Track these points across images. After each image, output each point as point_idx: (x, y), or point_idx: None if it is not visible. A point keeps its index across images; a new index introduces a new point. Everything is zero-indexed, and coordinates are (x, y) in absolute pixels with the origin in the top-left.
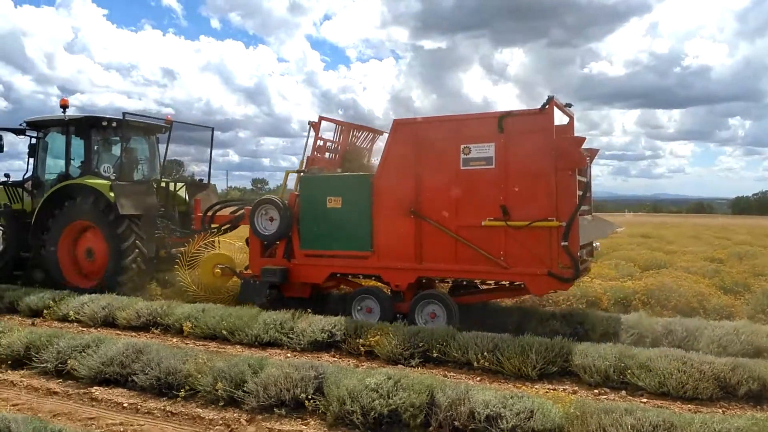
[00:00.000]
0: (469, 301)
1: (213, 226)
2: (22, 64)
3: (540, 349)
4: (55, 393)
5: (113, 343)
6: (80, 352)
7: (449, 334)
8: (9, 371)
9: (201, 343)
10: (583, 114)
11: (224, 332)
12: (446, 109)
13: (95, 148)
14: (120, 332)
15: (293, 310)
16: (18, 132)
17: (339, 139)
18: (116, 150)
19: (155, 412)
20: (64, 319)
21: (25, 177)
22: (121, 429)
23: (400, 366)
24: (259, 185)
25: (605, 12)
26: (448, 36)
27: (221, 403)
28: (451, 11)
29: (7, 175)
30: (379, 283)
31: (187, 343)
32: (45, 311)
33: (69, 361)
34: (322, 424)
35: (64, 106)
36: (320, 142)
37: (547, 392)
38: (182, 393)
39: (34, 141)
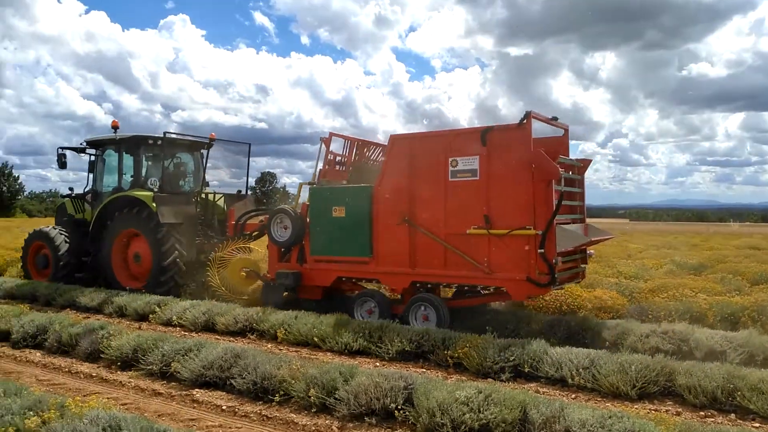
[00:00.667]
0: (460, 305)
1: (245, 233)
2: (129, 83)
3: (640, 367)
4: (160, 394)
5: (213, 348)
6: (183, 356)
7: (542, 349)
8: (118, 372)
9: (294, 349)
10: (682, 118)
11: (315, 339)
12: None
13: (143, 164)
14: (219, 337)
15: (382, 321)
16: (79, 150)
17: (347, 153)
18: (166, 166)
19: (251, 415)
20: (168, 323)
21: (86, 190)
22: (221, 431)
23: (489, 380)
24: None
25: (704, 11)
26: (536, 42)
27: (313, 410)
28: (538, 17)
29: (71, 189)
30: (379, 287)
31: (280, 349)
32: (150, 315)
33: (173, 364)
34: None
35: (115, 128)
36: (330, 156)
37: (648, 413)
38: (277, 398)
39: (93, 158)
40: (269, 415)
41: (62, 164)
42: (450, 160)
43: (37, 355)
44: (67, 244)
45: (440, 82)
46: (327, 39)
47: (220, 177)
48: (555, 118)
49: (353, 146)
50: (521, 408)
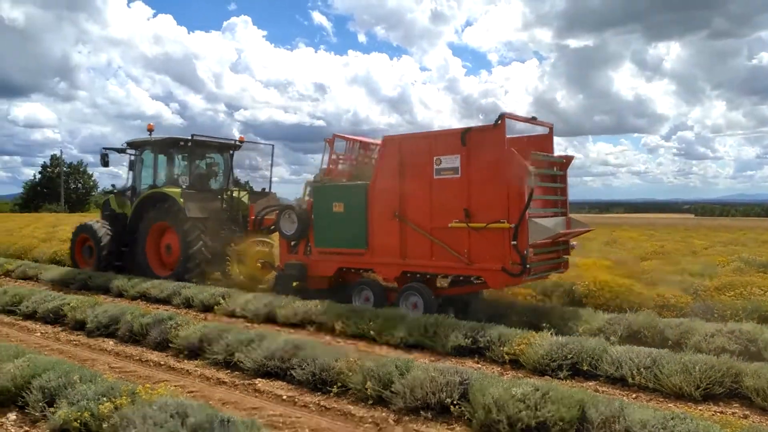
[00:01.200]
0: (449, 293)
1: (263, 227)
2: (195, 84)
3: (704, 368)
4: (224, 383)
5: (274, 339)
6: (246, 346)
7: (601, 347)
8: (185, 361)
9: (351, 342)
10: (752, 109)
11: (372, 333)
12: (595, 110)
13: (175, 163)
14: (279, 328)
15: (436, 315)
16: (120, 151)
17: (349, 153)
18: (197, 165)
19: (310, 405)
20: (232, 314)
21: (126, 187)
22: (281, 420)
23: (546, 377)
24: None
25: None
26: (596, 33)
27: (370, 402)
28: (599, 7)
29: (113, 186)
30: (375, 276)
31: (338, 342)
32: (215, 307)
33: (236, 354)
34: (467, 431)
35: (150, 130)
36: (334, 156)
37: (713, 415)
38: (335, 389)
39: (132, 158)
40: (327, 406)
41: (105, 163)
42: (435, 158)
43: (110, 344)
44: (109, 236)
45: (497, 76)
46: (383, 36)
47: (280, 174)
48: (534, 118)
49: (354, 146)
50: (579, 407)
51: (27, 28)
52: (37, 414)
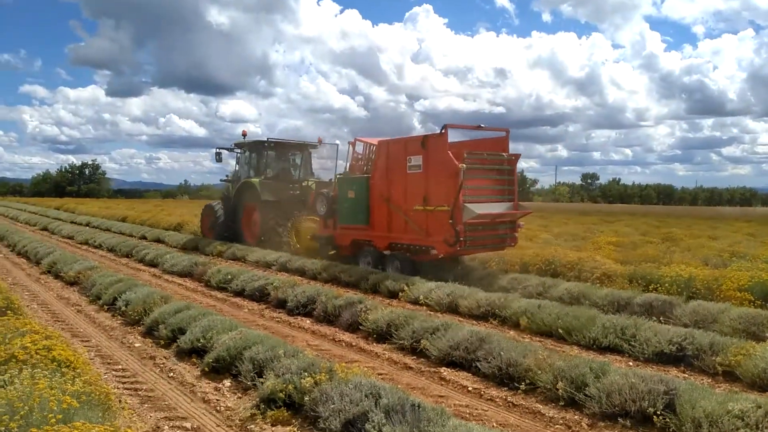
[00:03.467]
0: (414, 259)
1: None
2: (378, 76)
3: None
4: (410, 368)
5: (459, 329)
6: (431, 334)
7: None
8: (374, 343)
9: (537, 339)
10: None
11: (560, 331)
12: None
13: (263, 159)
14: (462, 319)
15: (634, 316)
16: (230, 150)
17: (366, 153)
18: (278, 161)
19: (497, 400)
20: (415, 302)
21: (234, 177)
22: (468, 411)
23: None
24: (589, 180)
25: None
26: None
27: (561, 403)
28: None
29: (227, 176)
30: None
31: (523, 338)
32: (400, 294)
33: (422, 341)
34: None
35: (244, 135)
36: (355, 155)
37: None
38: (522, 386)
39: (237, 155)
40: (515, 402)
41: (219, 159)
42: (407, 158)
43: (306, 323)
44: (222, 213)
45: (703, 50)
46: (570, 14)
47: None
48: (479, 126)
49: (369, 148)
50: None
51: (232, 31)
52: (248, 382)
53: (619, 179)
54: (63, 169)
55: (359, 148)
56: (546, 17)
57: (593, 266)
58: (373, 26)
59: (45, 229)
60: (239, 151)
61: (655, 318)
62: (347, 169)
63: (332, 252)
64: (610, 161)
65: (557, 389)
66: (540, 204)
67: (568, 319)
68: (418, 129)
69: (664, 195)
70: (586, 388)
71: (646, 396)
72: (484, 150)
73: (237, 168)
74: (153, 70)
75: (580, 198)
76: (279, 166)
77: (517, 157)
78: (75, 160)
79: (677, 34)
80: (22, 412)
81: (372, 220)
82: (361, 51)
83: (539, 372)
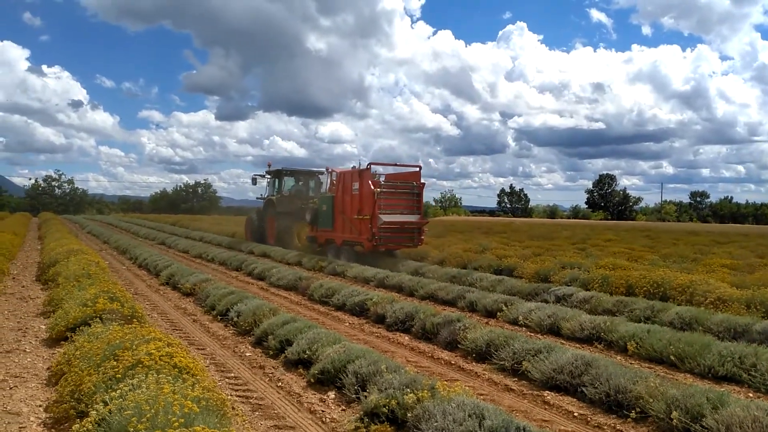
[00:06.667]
0: (357, 250)
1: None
2: (470, 95)
3: None
4: (512, 390)
5: (562, 353)
6: (533, 356)
7: None
8: (473, 363)
9: (646, 365)
10: None
11: (672, 357)
12: None
13: (282, 183)
14: (564, 342)
15: (753, 344)
16: (262, 176)
17: (333, 179)
18: (293, 184)
19: (605, 427)
20: (514, 322)
21: (266, 196)
22: None
23: None
24: (698, 199)
25: None
26: None
27: None
28: None
29: (261, 195)
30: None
31: (631, 363)
32: (498, 313)
33: (524, 363)
34: None
35: (269, 165)
36: (331, 180)
37: None
38: (633, 414)
39: (267, 179)
40: (624, 431)
41: (254, 183)
42: (352, 183)
43: (405, 339)
44: (256, 223)
45: None
46: (672, 26)
47: (555, 180)
48: (394, 164)
49: (336, 175)
50: None
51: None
52: (351, 395)
53: (732, 197)
54: (178, 188)
55: (334, 176)
56: (646, 30)
57: (706, 290)
58: (466, 46)
59: (162, 243)
60: (268, 177)
61: None
62: (326, 190)
63: (319, 249)
64: (721, 178)
65: (671, 419)
66: (644, 223)
67: (681, 345)
68: (512, 147)
69: None
70: (703, 419)
71: None
72: (398, 180)
73: (267, 189)
74: (258, 95)
75: (689, 217)
76: (294, 188)
77: (422, 185)
78: (188, 179)
79: None
80: (148, 415)
81: (335, 225)
82: (454, 71)
83: (651, 400)
